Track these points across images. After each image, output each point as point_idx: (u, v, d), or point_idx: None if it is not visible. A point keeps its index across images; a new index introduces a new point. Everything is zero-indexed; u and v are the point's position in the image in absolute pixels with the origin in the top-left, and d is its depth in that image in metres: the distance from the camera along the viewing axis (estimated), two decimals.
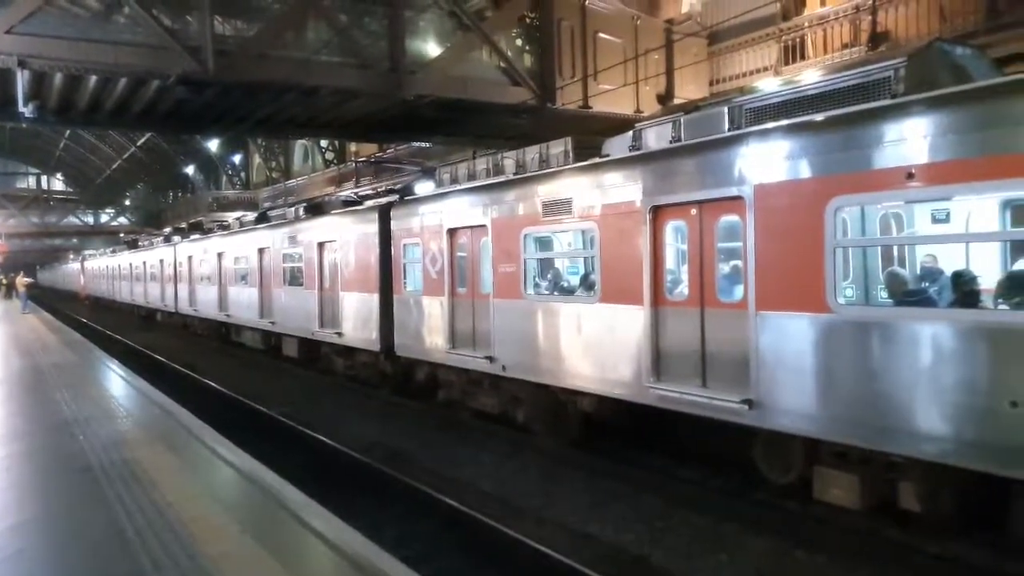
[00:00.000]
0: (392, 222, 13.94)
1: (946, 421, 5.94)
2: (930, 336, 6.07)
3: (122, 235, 58.70)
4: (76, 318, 39.09)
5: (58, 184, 79.97)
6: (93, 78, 15.74)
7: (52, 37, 14.04)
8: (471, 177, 12.64)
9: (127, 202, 77.92)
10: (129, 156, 63.98)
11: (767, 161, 7.22)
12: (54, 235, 71.14)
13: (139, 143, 59.10)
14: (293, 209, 20.18)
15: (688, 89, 20.77)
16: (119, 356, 18.10)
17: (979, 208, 7.25)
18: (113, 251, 48.51)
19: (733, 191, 7.53)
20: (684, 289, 8.37)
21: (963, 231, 7.49)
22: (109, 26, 14.97)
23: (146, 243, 39.04)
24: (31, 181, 75.92)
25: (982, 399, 5.69)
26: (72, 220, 71.43)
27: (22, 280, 37.13)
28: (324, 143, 42.45)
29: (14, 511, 6.22)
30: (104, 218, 74.18)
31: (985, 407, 5.67)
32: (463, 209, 11.95)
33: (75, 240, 73.17)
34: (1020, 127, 5.48)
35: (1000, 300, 6.24)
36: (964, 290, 6.45)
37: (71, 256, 74.20)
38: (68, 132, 59.74)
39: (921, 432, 6.08)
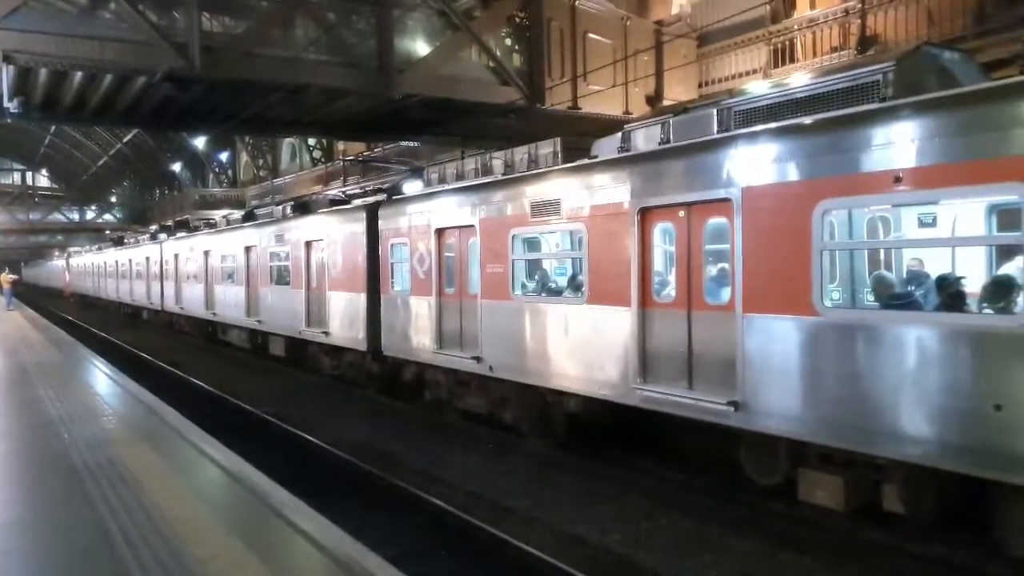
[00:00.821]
0: (380, 221, 13.90)
1: (931, 424, 5.98)
2: (915, 339, 6.11)
3: (108, 232, 58.27)
4: (61, 315, 38.75)
5: (43, 180, 79.29)
6: (79, 74, 15.63)
7: (37, 32, 13.94)
8: (459, 177, 12.63)
9: (113, 199, 77.36)
10: (115, 153, 63.54)
11: (755, 164, 7.25)
12: (39, 232, 70.60)
13: (125, 140, 58.70)
14: (280, 207, 20.09)
15: (677, 91, 20.82)
16: (104, 354, 17.95)
17: (965, 212, 7.32)
18: (99, 248, 48.14)
19: (721, 193, 7.55)
20: (671, 291, 8.39)
21: (949, 235, 7.55)
22: (95, 22, 14.87)
23: (132, 240, 38.78)
24: (16, 177, 75.29)
25: (966, 402, 5.74)
26: (57, 217, 70.85)
27: (7, 277, 36.80)
28: (312, 142, 42.31)
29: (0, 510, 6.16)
30: (90, 215, 73.57)
31: (969, 410, 5.71)
32: (451, 209, 11.93)
33: (60, 237, 72.58)
34: (1007, 131, 5.52)
35: (985, 304, 6.30)
36: (949, 293, 6.51)
37: (56, 253, 73.58)
38: (53, 128, 59.23)
39: (906, 435, 6.12)
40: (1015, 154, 5.43)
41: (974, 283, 6.69)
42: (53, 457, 7.63)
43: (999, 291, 6.20)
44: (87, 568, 4.92)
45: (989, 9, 14.59)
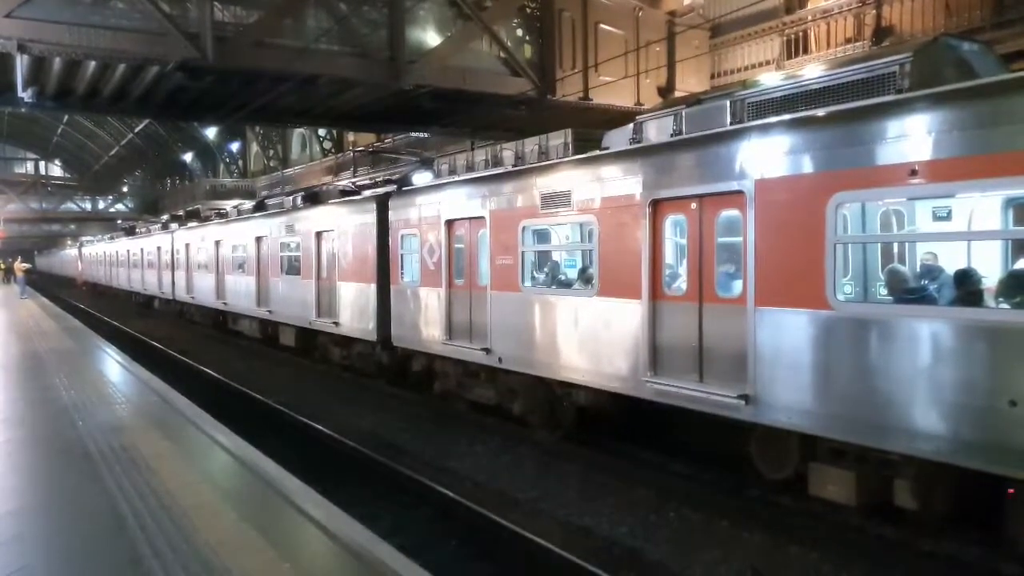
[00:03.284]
0: (390, 212, 13.91)
1: (944, 419, 5.93)
2: (929, 334, 6.06)
3: (120, 222, 58.59)
4: (74, 304, 39.02)
5: (56, 170, 79.79)
6: (92, 63, 15.70)
7: (51, 22, 13.99)
8: (469, 168, 12.60)
9: (125, 189, 77.69)
10: (127, 143, 63.86)
11: (769, 156, 7.19)
12: (52, 221, 71.06)
13: (137, 130, 58.99)
14: (291, 198, 20.12)
15: (689, 82, 20.72)
16: (117, 342, 18.07)
17: (981, 206, 7.24)
18: (111, 237, 48.41)
19: (734, 185, 7.50)
20: (683, 284, 8.35)
21: (965, 229, 7.47)
22: (108, 11, 14.93)
23: (144, 230, 38.98)
24: (29, 167, 75.75)
25: (981, 398, 5.69)
26: (70, 206, 71.28)
27: (20, 265, 37.04)
28: (322, 132, 42.39)
29: (14, 496, 6.22)
30: (102, 204, 73.97)
31: (984, 406, 5.66)
32: (461, 200, 11.91)
33: (73, 226, 73.04)
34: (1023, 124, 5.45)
35: (1001, 299, 6.23)
36: (965, 288, 6.43)
37: (69, 242, 74.03)
38: (66, 118, 59.59)
39: (919, 430, 6.07)
40: None
41: (990, 278, 6.63)
42: (68, 443, 7.69)
43: (1016, 286, 6.14)
44: (101, 552, 4.95)
45: (1008, 0, 14.44)
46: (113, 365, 13.58)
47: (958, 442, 5.85)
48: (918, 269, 7.58)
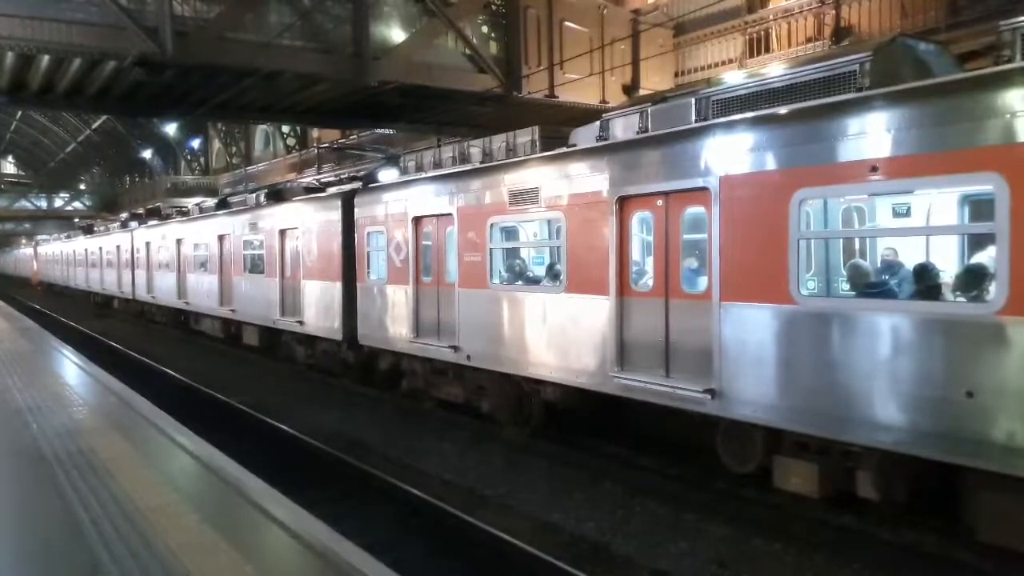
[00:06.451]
0: (356, 210, 13.78)
1: (904, 411, 6.04)
2: (889, 328, 6.17)
3: (77, 220, 57.26)
4: (29, 304, 38.03)
5: (9, 167, 77.71)
6: (46, 58, 15.31)
7: (3, 15, 13.62)
8: (436, 165, 12.55)
9: (82, 186, 75.91)
10: (84, 139, 62.43)
11: (733, 153, 7.26)
12: (5, 219, 69.17)
13: (94, 126, 57.66)
14: (254, 195, 19.83)
15: (653, 80, 20.89)
16: (74, 343, 17.63)
17: (939, 202, 7.40)
18: (68, 236, 47.32)
19: (699, 182, 7.56)
20: (649, 280, 8.41)
21: (923, 224, 7.64)
22: (63, 4, 14.56)
23: (102, 228, 38.16)
24: None
25: (939, 389, 5.81)
26: (24, 204, 69.41)
27: None
28: (286, 129, 41.88)
29: None
30: (58, 202, 72.16)
31: (942, 397, 5.79)
32: (428, 197, 11.85)
33: (28, 225, 71.19)
34: (981, 122, 5.57)
35: (958, 293, 6.38)
36: (923, 283, 6.58)
37: (24, 241, 72.16)
38: (20, 113, 58.00)
39: (879, 422, 6.18)
40: (989, 144, 5.49)
41: (947, 272, 6.77)
42: (21, 446, 7.46)
43: (972, 280, 6.28)
44: (57, 558, 4.81)
45: (962, 1, 14.81)
46: (70, 366, 13.24)
47: (917, 433, 5.96)
48: (879, 264, 7.71)
